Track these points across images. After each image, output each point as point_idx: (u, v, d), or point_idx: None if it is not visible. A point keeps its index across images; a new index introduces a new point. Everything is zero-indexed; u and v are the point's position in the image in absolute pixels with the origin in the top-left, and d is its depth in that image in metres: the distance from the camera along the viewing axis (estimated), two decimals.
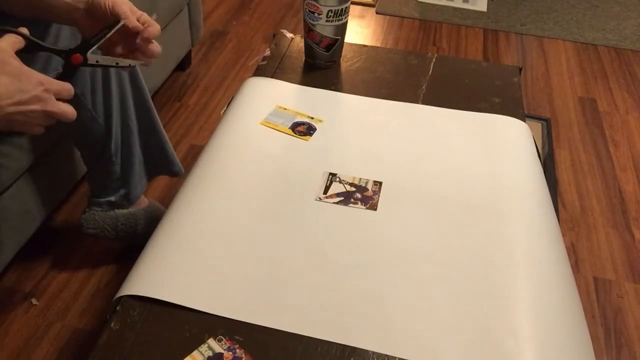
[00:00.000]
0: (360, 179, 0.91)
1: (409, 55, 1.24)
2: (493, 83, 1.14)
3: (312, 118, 1.04)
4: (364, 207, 0.86)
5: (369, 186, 0.89)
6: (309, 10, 1.09)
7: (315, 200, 0.86)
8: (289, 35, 1.28)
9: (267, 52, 1.22)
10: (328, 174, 0.91)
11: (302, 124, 1.02)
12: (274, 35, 1.30)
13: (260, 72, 1.16)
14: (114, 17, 0.80)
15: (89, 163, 1.20)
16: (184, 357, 0.65)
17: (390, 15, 2.51)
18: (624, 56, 2.32)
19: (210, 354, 0.65)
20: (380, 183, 0.90)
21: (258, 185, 0.89)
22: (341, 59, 1.20)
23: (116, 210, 1.21)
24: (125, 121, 1.14)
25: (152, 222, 1.24)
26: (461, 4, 2.61)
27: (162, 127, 1.23)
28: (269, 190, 0.88)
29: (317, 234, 0.81)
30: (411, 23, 2.45)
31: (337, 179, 0.90)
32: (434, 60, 1.21)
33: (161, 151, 1.25)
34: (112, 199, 1.20)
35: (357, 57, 1.21)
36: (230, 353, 0.65)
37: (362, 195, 0.87)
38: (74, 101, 0.76)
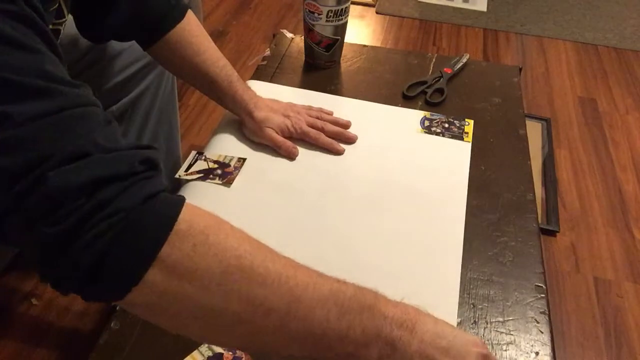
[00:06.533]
0: (226, 156, 0.90)
1: (409, 55, 1.23)
2: (493, 83, 1.14)
3: None
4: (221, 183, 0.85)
5: (232, 163, 0.88)
6: (309, 10, 1.09)
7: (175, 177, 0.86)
8: (289, 35, 1.28)
9: (267, 52, 1.22)
10: (195, 153, 0.91)
11: None
12: (274, 35, 1.30)
13: (260, 72, 1.16)
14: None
15: None
16: (184, 357, 0.65)
17: (390, 15, 2.51)
18: (624, 56, 2.32)
19: (210, 354, 0.65)
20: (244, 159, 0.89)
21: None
22: (341, 59, 1.19)
23: None
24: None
25: None
26: (461, 4, 2.61)
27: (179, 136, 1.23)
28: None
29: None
30: (411, 23, 2.46)
31: (203, 158, 0.89)
32: (434, 60, 1.21)
33: (176, 159, 1.25)
34: None
35: (357, 57, 1.21)
36: (230, 353, 0.65)
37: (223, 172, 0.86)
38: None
